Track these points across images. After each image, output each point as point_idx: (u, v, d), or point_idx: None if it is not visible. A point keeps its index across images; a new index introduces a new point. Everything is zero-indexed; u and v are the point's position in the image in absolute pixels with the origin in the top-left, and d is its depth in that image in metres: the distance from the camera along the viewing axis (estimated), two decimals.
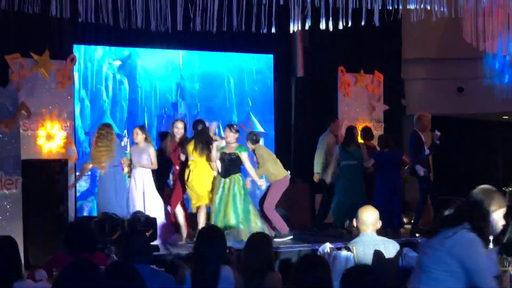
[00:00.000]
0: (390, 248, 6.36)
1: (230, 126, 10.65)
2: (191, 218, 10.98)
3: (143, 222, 9.91)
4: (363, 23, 9.59)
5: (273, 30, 9.63)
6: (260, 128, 14.01)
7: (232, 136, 10.50)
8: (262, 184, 10.97)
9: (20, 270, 5.76)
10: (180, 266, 6.26)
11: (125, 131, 12.77)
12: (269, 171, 11.02)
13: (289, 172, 11.38)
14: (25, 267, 8.61)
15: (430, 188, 12.32)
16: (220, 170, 10.55)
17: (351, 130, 12.44)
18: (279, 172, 11.09)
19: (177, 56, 13.35)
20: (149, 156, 10.69)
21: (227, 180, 10.44)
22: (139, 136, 10.81)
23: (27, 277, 5.99)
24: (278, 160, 11.14)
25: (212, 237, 5.73)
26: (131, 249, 5.61)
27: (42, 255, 9.65)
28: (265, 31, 9.69)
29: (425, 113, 12.30)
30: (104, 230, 9.57)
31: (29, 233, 10.19)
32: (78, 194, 12.09)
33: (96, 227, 9.66)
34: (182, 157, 10.66)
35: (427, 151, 12.15)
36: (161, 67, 13.24)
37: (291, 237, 10.94)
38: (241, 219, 10.40)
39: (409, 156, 12.31)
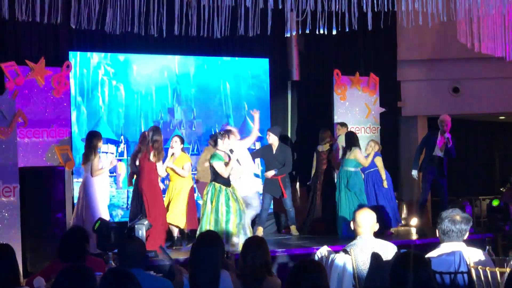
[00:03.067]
0: (387, 250, 6.37)
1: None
2: None
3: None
4: (355, 27, 9.61)
5: (268, 34, 9.64)
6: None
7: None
8: None
9: (18, 278, 5.76)
10: (178, 271, 6.27)
11: (122, 137, 12.75)
12: None
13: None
14: (23, 274, 8.63)
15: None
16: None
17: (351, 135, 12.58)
18: None
19: (173, 61, 13.34)
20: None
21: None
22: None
23: (25, 285, 5.99)
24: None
25: (210, 241, 5.73)
26: (126, 254, 5.62)
27: (40, 262, 9.65)
28: (259, 34, 9.70)
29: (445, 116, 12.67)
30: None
31: (27, 240, 10.19)
32: (75, 201, 12.07)
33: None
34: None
35: (438, 153, 12.33)
36: (157, 72, 13.23)
37: None
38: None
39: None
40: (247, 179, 11.93)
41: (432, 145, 12.62)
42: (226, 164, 10.67)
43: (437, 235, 5.94)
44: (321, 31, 9.61)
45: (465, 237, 5.86)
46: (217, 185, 10.66)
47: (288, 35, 9.98)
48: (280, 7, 9.04)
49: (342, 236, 12.08)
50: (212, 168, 10.72)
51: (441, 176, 12.70)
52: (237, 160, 11.03)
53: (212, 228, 10.30)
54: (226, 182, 10.75)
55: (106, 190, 11.18)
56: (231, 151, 10.68)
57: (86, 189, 10.85)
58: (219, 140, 10.80)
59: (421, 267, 4.55)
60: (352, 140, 12.37)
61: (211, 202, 10.61)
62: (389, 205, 12.82)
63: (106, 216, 10.82)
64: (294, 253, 10.79)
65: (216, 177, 10.69)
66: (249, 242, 6.06)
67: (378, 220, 6.70)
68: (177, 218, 11.23)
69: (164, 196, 11.28)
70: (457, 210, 5.90)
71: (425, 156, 12.77)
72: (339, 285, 6.27)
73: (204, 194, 10.79)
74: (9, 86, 10.99)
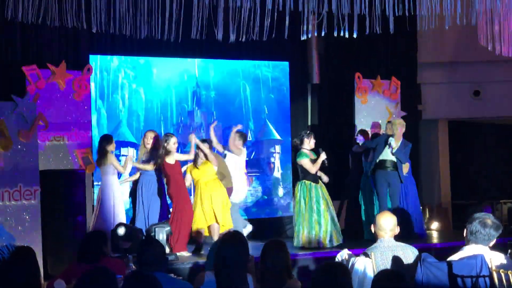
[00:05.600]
0: (408, 253, 6.34)
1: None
2: None
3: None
4: (377, 30, 9.59)
5: (285, 37, 9.63)
6: (276, 136, 14.01)
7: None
8: None
9: (39, 280, 5.78)
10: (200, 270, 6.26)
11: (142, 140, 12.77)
12: None
13: None
14: (44, 277, 8.66)
15: None
16: None
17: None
18: None
19: (193, 65, 13.36)
20: None
21: None
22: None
23: (46, 287, 6.01)
24: None
25: (235, 242, 5.71)
26: (146, 258, 5.62)
27: (60, 265, 9.69)
28: (279, 37, 9.70)
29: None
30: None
31: (48, 243, 10.23)
32: (94, 204, 12.10)
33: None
34: None
35: None
36: (177, 75, 13.25)
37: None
38: None
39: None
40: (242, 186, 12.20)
41: None
42: (313, 161, 11.39)
43: (464, 235, 5.92)
44: (342, 34, 9.62)
45: (492, 243, 5.83)
46: (307, 182, 11.36)
47: (304, 38, 9.96)
48: (300, 9, 9.04)
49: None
50: (300, 166, 11.44)
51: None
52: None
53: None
54: (315, 179, 11.41)
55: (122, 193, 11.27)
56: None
57: (103, 192, 10.95)
58: (304, 139, 11.48)
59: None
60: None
61: (304, 200, 11.25)
62: (417, 211, 12.70)
63: (123, 219, 10.88)
64: (315, 256, 10.78)
65: (305, 175, 11.36)
66: (269, 245, 6.03)
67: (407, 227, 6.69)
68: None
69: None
70: (489, 214, 5.89)
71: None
72: (360, 287, 6.24)
73: (295, 194, 11.42)
74: (30, 90, 11.03)
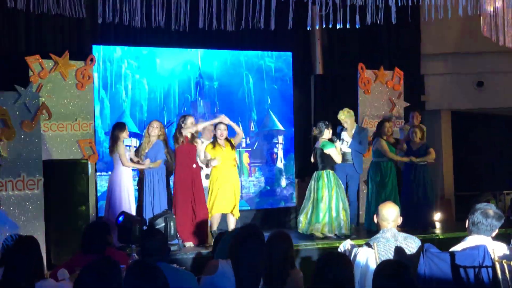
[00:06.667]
0: (411, 244, 6.34)
1: None
2: None
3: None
4: (381, 21, 9.57)
5: (289, 27, 9.61)
6: (279, 126, 14.02)
7: None
8: None
9: (42, 270, 5.80)
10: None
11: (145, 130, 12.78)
12: None
13: None
14: (47, 266, 8.69)
15: None
16: None
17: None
18: None
19: (196, 55, 13.36)
20: None
21: None
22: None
23: (49, 277, 6.02)
24: None
25: (251, 234, 5.66)
26: (149, 248, 5.63)
27: (63, 255, 9.71)
28: (282, 28, 9.69)
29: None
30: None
31: (51, 233, 10.26)
32: (99, 194, 12.12)
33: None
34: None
35: None
36: (180, 66, 13.25)
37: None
38: None
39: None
40: None
41: None
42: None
43: (466, 226, 5.93)
44: (345, 25, 9.60)
45: (494, 233, 5.84)
46: (332, 172, 11.42)
47: (309, 28, 9.95)
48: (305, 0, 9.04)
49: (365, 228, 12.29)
50: (322, 156, 11.40)
51: None
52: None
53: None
54: (334, 167, 11.55)
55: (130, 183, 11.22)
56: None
57: (113, 180, 10.94)
58: (324, 129, 11.51)
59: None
60: (376, 130, 12.47)
61: (337, 188, 11.33)
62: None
63: (131, 209, 10.85)
64: (318, 246, 10.79)
65: (326, 164, 11.40)
66: (273, 236, 6.03)
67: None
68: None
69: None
70: (491, 205, 5.89)
71: None
72: (362, 278, 6.25)
73: (321, 183, 11.32)
74: (33, 80, 11.04)
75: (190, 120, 10.99)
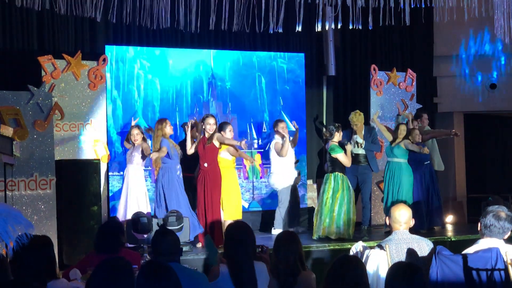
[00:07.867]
0: (423, 246, 6.33)
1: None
2: None
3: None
4: (393, 22, 9.57)
5: (299, 29, 9.62)
6: (291, 127, 13.99)
7: None
8: None
9: (54, 270, 5.80)
10: (219, 259, 6.26)
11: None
12: None
13: None
14: (59, 266, 8.70)
15: None
16: None
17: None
18: None
19: (208, 56, 13.35)
20: None
21: None
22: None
23: (61, 277, 6.04)
24: None
25: (241, 232, 5.78)
26: (161, 248, 5.63)
27: (75, 255, 9.75)
28: (295, 29, 9.70)
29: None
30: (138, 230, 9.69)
31: (63, 233, 10.29)
32: (110, 194, 12.13)
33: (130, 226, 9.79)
34: None
35: None
36: (192, 66, 13.24)
37: None
38: None
39: None
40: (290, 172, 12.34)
41: None
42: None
43: (478, 229, 5.91)
44: (357, 26, 9.60)
45: (507, 235, 5.82)
46: (340, 174, 11.45)
47: (320, 29, 9.95)
48: (317, 1, 9.03)
49: None
50: (331, 159, 11.48)
51: None
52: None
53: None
54: (343, 170, 11.58)
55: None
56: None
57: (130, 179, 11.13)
58: (335, 132, 11.54)
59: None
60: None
61: (342, 191, 11.33)
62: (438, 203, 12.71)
63: (145, 208, 10.88)
64: (330, 248, 10.79)
65: (335, 167, 11.45)
66: (281, 238, 6.02)
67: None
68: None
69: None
70: (503, 207, 5.87)
71: None
72: (374, 280, 6.24)
73: (329, 185, 11.38)
74: (46, 80, 11.07)
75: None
